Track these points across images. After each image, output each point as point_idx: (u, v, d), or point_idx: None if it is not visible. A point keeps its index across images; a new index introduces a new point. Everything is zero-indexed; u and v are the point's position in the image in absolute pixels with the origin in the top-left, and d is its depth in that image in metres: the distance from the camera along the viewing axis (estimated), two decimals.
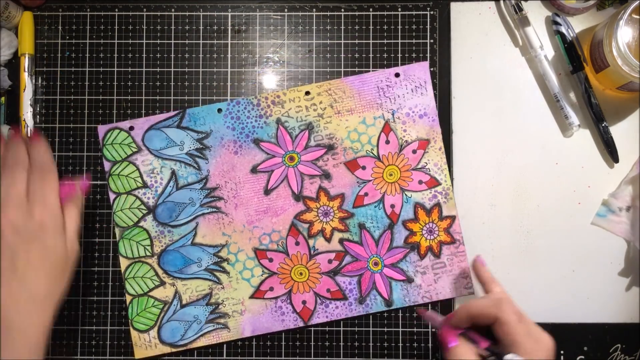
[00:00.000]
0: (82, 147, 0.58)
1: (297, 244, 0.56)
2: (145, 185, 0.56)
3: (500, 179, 0.57)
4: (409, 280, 0.56)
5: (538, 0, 0.58)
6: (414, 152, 0.56)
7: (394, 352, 0.56)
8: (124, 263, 0.56)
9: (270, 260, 0.56)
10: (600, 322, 0.56)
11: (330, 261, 0.56)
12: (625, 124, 0.57)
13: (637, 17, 0.52)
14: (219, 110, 0.57)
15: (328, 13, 0.58)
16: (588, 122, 0.57)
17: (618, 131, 0.56)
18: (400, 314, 0.56)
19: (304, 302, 0.56)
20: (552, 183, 0.57)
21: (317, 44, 0.58)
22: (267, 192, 0.56)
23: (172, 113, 0.57)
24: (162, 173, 0.56)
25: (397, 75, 0.56)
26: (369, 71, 0.57)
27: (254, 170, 0.56)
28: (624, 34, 0.51)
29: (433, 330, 0.56)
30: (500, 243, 0.56)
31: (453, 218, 0.56)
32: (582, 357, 0.56)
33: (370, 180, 0.56)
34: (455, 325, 0.47)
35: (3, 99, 0.58)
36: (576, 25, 0.57)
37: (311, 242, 0.56)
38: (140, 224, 0.56)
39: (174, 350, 0.55)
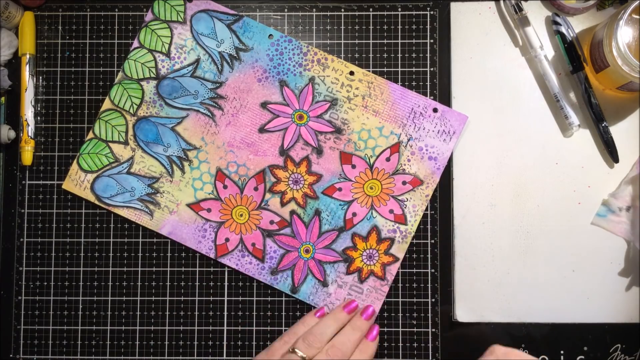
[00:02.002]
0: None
1: (255, 189, 0.56)
2: (167, 54, 0.56)
3: (500, 179, 0.57)
4: (324, 283, 0.56)
5: (538, 0, 0.58)
6: (404, 183, 0.56)
7: (394, 352, 0.56)
8: (106, 104, 0.56)
9: (225, 187, 0.56)
10: (600, 322, 0.56)
11: (272, 222, 0.56)
12: (625, 124, 0.57)
13: (637, 17, 0.52)
14: (270, 35, 0.57)
15: (328, 13, 0.58)
16: (588, 122, 0.57)
17: (618, 131, 0.56)
18: (400, 314, 0.56)
19: (227, 239, 0.56)
20: (552, 183, 0.57)
21: (317, 44, 0.58)
22: (261, 130, 0.56)
23: (231, 11, 0.57)
24: (188, 54, 0.56)
25: (434, 110, 0.56)
26: (376, 71, 0.57)
27: (263, 106, 0.56)
28: (624, 34, 0.51)
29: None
30: (500, 243, 0.56)
31: (396, 260, 0.56)
32: (582, 357, 0.56)
33: (351, 181, 0.56)
34: None
35: (3, 99, 0.58)
36: (576, 25, 0.57)
37: (268, 195, 0.56)
38: (142, 82, 0.56)
39: (96, 203, 0.56)
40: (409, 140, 0.56)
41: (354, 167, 0.56)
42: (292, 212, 0.56)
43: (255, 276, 0.56)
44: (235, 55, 0.57)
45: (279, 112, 0.57)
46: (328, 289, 0.56)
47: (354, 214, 0.56)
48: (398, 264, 0.56)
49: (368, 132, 0.56)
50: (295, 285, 0.56)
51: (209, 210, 0.56)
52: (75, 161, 0.56)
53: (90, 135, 0.56)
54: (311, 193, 0.56)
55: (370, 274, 0.56)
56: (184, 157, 0.56)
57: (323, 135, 0.56)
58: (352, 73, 0.56)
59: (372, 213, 0.56)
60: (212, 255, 0.56)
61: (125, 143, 0.56)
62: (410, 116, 0.56)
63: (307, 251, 0.56)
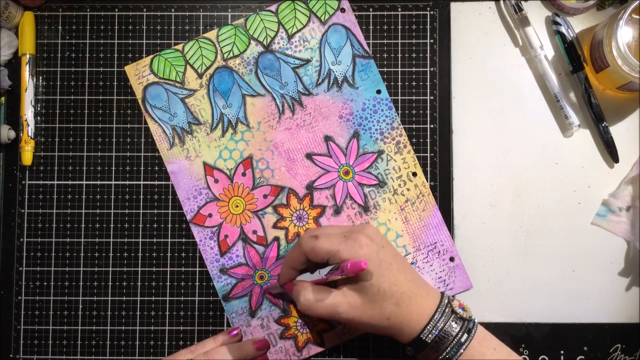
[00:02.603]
0: (82, 147, 0.58)
1: (243, 173, 0.56)
2: (290, 37, 0.57)
3: (500, 179, 0.57)
4: (252, 314, 0.56)
5: (538, 0, 0.58)
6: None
7: (394, 352, 0.56)
8: (212, 34, 0.57)
9: (244, 174, 0.56)
10: (600, 322, 0.56)
11: (254, 232, 0.56)
12: (625, 124, 0.57)
13: (637, 17, 0.52)
14: (379, 91, 0.57)
15: None
16: (588, 122, 0.57)
17: (618, 131, 0.56)
18: None
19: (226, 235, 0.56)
20: (552, 183, 0.57)
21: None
22: (307, 156, 0.56)
23: (366, 47, 0.57)
24: (305, 51, 0.57)
25: (451, 259, 0.56)
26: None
27: (325, 139, 0.56)
28: (624, 34, 0.51)
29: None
30: (500, 243, 0.56)
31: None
32: (582, 357, 0.56)
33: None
34: (285, 281, 0.51)
35: (3, 99, 0.58)
36: (576, 25, 0.57)
37: (271, 216, 0.56)
38: (252, 41, 0.57)
39: (139, 103, 0.57)
40: (412, 263, 0.56)
41: (210, 216, 0.56)
42: (276, 239, 0.56)
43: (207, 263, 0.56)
44: (339, 82, 0.57)
45: (326, 167, 0.56)
46: (252, 320, 0.56)
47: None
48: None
49: (387, 231, 0.56)
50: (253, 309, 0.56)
51: (210, 215, 0.56)
52: (151, 56, 0.57)
53: (179, 47, 0.57)
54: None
55: (308, 342, 0.55)
56: (233, 123, 0.56)
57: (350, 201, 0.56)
58: (414, 174, 0.56)
59: None
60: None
61: (200, 76, 0.57)
62: (428, 247, 0.56)
63: (261, 277, 0.56)
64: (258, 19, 0.57)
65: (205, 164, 0.56)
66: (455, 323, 0.47)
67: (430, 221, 0.56)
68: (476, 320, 0.48)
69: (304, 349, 0.55)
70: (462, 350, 0.46)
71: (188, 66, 0.57)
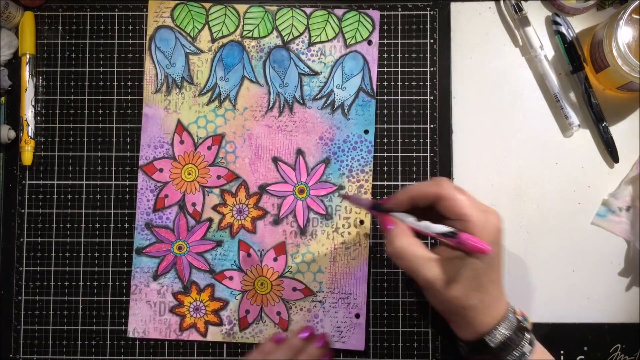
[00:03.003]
0: (82, 147, 0.58)
1: (208, 147, 0.57)
2: (310, 44, 0.57)
3: (500, 179, 0.57)
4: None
5: (538, 0, 0.58)
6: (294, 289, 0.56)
7: (394, 352, 0.56)
8: (242, 8, 0.57)
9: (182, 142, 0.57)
10: (600, 322, 0.56)
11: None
12: (625, 124, 0.57)
13: (637, 17, 0.52)
14: (366, 130, 0.56)
15: None
16: (588, 122, 0.57)
17: (618, 131, 0.56)
18: (400, 314, 0.56)
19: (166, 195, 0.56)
20: (552, 183, 0.57)
21: None
22: (274, 160, 0.56)
23: (375, 85, 0.57)
24: (324, 68, 0.57)
25: (357, 316, 0.55)
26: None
27: (297, 153, 0.56)
28: (624, 34, 0.51)
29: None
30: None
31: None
32: (582, 357, 0.56)
33: (243, 273, 0.56)
34: (393, 207, 0.46)
35: (3, 99, 0.58)
36: (576, 25, 0.57)
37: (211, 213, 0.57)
38: (279, 31, 0.57)
39: (144, 41, 0.57)
40: (320, 302, 0.56)
41: (161, 170, 0.56)
42: (210, 220, 0.56)
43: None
44: (335, 106, 0.56)
45: (286, 177, 0.56)
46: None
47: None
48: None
49: (312, 261, 0.56)
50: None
51: (160, 170, 0.57)
52: (177, 2, 0.57)
53: (206, 5, 0.57)
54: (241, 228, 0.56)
55: (192, 327, 0.56)
56: (221, 98, 0.56)
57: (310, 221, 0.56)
58: (362, 222, 0.56)
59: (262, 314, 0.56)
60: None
61: (213, 41, 0.57)
62: (342, 295, 0.55)
63: (180, 248, 0.56)
64: (289, 14, 0.57)
65: (179, 122, 0.57)
66: (520, 333, 0.45)
67: (355, 272, 0.56)
68: (533, 334, 0.47)
69: (186, 331, 0.55)
70: None
71: (206, 26, 0.57)
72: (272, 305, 0.56)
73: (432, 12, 0.58)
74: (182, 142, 0.57)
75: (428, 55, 0.58)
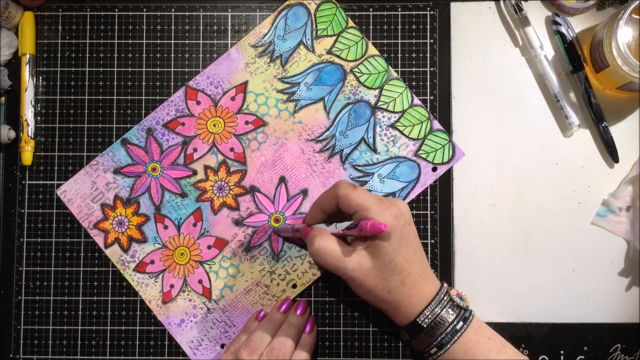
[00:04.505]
0: (82, 147, 0.58)
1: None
2: (380, 90, 0.57)
3: (500, 179, 0.57)
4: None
5: (538, 0, 0.58)
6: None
7: (394, 352, 0.56)
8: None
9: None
10: (600, 322, 0.56)
11: None
12: (625, 124, 0.57)
13: (637, 17, 0.52)
14: None
15: None
16: (588, 122, 0.57)
17: (618, 131, 0.56)
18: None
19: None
20: (552, 183, 0.57)
21: None
22: (282, 179, 0.57)
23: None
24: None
25: None
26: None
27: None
28: (624, 34, 0.51)
29: (286, 237, 0.56)
30: (500, 243, 0.56)
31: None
32: (582, 357, 0.56)
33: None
34: (310, 221, 0.51)
35: (3, 99, 0.58)
36: (576, 25, 0.57)
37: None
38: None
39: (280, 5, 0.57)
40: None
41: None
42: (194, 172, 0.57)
43: None
44: (370, 190, 0.56)
45: (275, 201, 0.57)
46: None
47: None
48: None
49: (226, 275, 0.56)
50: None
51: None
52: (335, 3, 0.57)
53: (351, 23, 0.57)
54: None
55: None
56: (293, 99, 0.57)
57: None
58: (294, 286, 0.56)
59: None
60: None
61: (328, 52, 0.57)
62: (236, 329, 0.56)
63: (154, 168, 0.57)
64: (401, 88, 0.57)
65: (245, 84, 0.57)
66: (452, 310, 0.47)
67: (251, 313, 0.56)
68: (473, 311, 0.49)
69: (108, 247, 0.57)
70: (456, 337, 0.47)
71: (335, 38, 0.57)
72: (193, 274, 0.56)
73: (432, 12, 0.58)
74: (233, 99, 0.57)
75: (428, 55, 0.58)
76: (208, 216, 0.56)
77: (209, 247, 0.56)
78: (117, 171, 0.57)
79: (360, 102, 0.57)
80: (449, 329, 0.47)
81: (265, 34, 0.57)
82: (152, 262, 0.56)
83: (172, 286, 0.56)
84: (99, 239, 0.56)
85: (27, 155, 0.57)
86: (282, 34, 0.57)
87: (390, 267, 0.46)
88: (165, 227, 0.56)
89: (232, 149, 0.57)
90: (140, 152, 0.57)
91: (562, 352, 0.56)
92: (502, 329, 0.55)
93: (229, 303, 0.56)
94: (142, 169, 0.56)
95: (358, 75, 0.57)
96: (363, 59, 0.57)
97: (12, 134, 0.57)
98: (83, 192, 0.56)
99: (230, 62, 0.57)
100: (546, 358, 0.56)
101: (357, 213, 0.46)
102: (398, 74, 0.57)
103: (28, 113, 0.57)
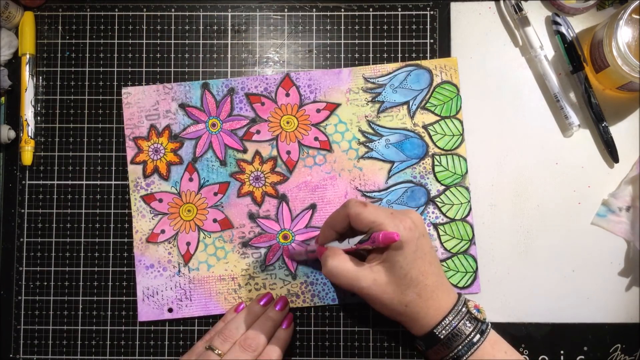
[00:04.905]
0: (82, 147, 0.58)
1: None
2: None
3: (500, 179, 0.57)
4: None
5: (538, 0, 0.58)
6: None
7: (394, 352, 0.56)
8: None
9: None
10: (600, 322, 0.56)
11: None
12: (625, 124, 0.57)
13: (637, 17, 0.52)
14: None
15: (328, 13, 0.58)
16: (588, 122, 0.57)
17: (618, 131, 0.56)
18: None
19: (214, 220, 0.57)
20: (552, 183, 0.57)
21: (317, 44, 0.58)
22: (313, 206, 0.57)
23: None
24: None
25: None
26: (369, 65, 0.57)
27: None
28: (624, 34, 0.51)
29: (299, 259, 0.56)
30: (500, 243, 0.56)
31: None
32: (582, 357, 0.56)
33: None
34: (323, 241, 0.51)
35: (3, 99, 0.58)
36: (576, 25, 0.57)
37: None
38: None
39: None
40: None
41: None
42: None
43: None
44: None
45: (294, 217, 0.57)
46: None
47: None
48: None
49: (215, 252, 0.57)
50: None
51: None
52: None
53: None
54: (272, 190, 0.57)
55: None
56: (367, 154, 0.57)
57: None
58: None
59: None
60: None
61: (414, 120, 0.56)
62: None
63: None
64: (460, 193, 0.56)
65: (335, 106, 0.57)
66: (470, 323, 0.47)
67: (210, 305, 0.56)
68: (490, 324, 0.49)
69: (150, 176, 0.56)
70: (473, 350, 0.47)
71: (443, 124, 0.57)
72: (186, 234, 0.56)
73: (432, 12, 0.58)
74: (318, 111, 0.57)
75: (428, 55, 0.58)
76: (231, 194, 0.56)
77: (215, 221, 0.56)
78: (182, 106, 0.57)
79: (422, 187, 0.56)
80: (466, 341, 0.47)
81: (383, 75, 0.57)
82: (161, 200, 0.56)
83: (162, 231, 0.56)
84: (130, 152, 0.57)
85: (27, 155, 0.57)
86: (396, 85, 0.56)
87: (406, 281, 0.46)
88: (190, 180, 0.56)
89: (288, 152, 0.56)
90: (212, 104, 0.57)
91: (562, 352, 0.56)
92: (502, 329, 0.55)
93: (198, 279, 0.56)
94: (205, 117, 0.57)
95: (432, 133, 0.56)
96: (450, 152, 0.56)
97: (12, 134, 0.57)
98: (143, 105, 0.57)
99: (337, 78, 0.57)
100: (546, 358, 0.56)
101: (371, 229, 0.46)
102: None
103: (28, 113, 0.57)
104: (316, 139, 0.57)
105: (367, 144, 0.56)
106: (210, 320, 0.56)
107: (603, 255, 0.56)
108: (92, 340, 0.57)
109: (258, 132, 0.57)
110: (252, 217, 0.56)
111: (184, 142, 0.56)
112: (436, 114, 0.56)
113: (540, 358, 0.56)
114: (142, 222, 0.56)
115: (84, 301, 0.57)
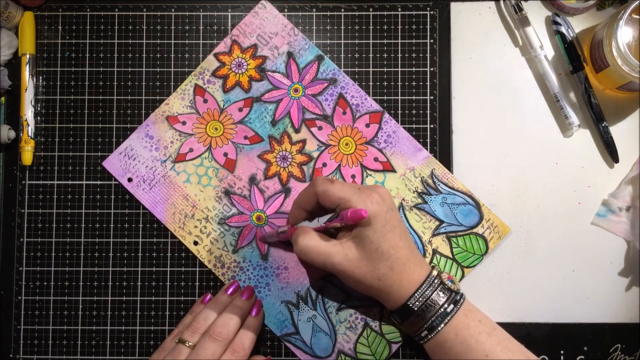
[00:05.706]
0: (82, 147, 0.58)
1: (240, 109, 0.57)
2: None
3: (500, 179, 0.57)
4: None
5: (538, 0, 0.58)
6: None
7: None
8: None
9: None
10: (600, 322, 0.56)
11: (245, 137, 0.57)
12: (625, 124, 0.57)
13: (637, 17, 0.52)
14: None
15: (328, 13, 0.58)
16: (588, 122, 0.57)
17: (618, 131, 0.56)
18: None
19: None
20: (552, 183, 0.57)
21: (317, 44, 0.58)
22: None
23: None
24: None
25: None
26: (369, 69, 0.57)
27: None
28: (624, 34, 0.51)
29: (270, 242, 0.56)
30: (500, 243, 0.56)
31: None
32: (582, 357, 0.56)
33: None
34: (293, 221, 0.51)
35: (3, 99, 0.58)
36: (576, 25, 0.57)
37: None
38: None
39: None
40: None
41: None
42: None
43: None
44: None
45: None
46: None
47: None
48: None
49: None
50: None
51: (183, 123, 0.57)
52: None
53: None
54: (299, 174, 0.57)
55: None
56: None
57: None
58: (196, 243, 0.56)
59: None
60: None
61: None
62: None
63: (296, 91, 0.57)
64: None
65: (379, 114, 0.57)
66: (443, 293, 0.48)
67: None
68: (464, 295, 0.49)
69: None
70: (447, 320, 0.47)
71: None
72: (220, 147, 0.57)
73: (432, 12, 0.58)
74: (367, 125, 0.57)
75: (428, 55, 0.58)
76: (254, 150, 0.57)
77: (245, 138, 0.57)
78: (289, 54, 0.57)
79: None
80: (440, 311, 0.47)
81: (446, 185, 0.56)
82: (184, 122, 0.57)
83: (191, 149, 0.57)
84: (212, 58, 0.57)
85: (27, 155, 0.57)
86: (446, 202, 0.57)
87: (377, 255, 0.47)
88: (240, 110, 0.56)
89: (353, 176, 0.56)
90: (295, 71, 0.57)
91: (562, 352, 0.56)
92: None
93: (169, 180, 0.56)
94: (289, 82, 0.57)
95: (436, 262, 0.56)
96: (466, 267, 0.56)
97: (12, 134, 0.57)
98: (266, 25, 0.57)
99: (412, 151, 0.57)
100: (546, 358, 0.56)
101: (339, 206, 0.47)
102: (398, 74, 0.57)
103: (28, 113, 0.57)
104: (376, 159, 0.57)
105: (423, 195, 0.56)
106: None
107: (603, 255, 0.56)
108: (92, 340, 0.57)
109: (320, 128, 0.57)
110: (253, 180, 0.56)
111: (263, 80, 0.57)
112: (451, 254, 0.56)
113: (540, 358, 0.56)
114: (177, 103, 0.57)
115: (84, 301, 0.57)
